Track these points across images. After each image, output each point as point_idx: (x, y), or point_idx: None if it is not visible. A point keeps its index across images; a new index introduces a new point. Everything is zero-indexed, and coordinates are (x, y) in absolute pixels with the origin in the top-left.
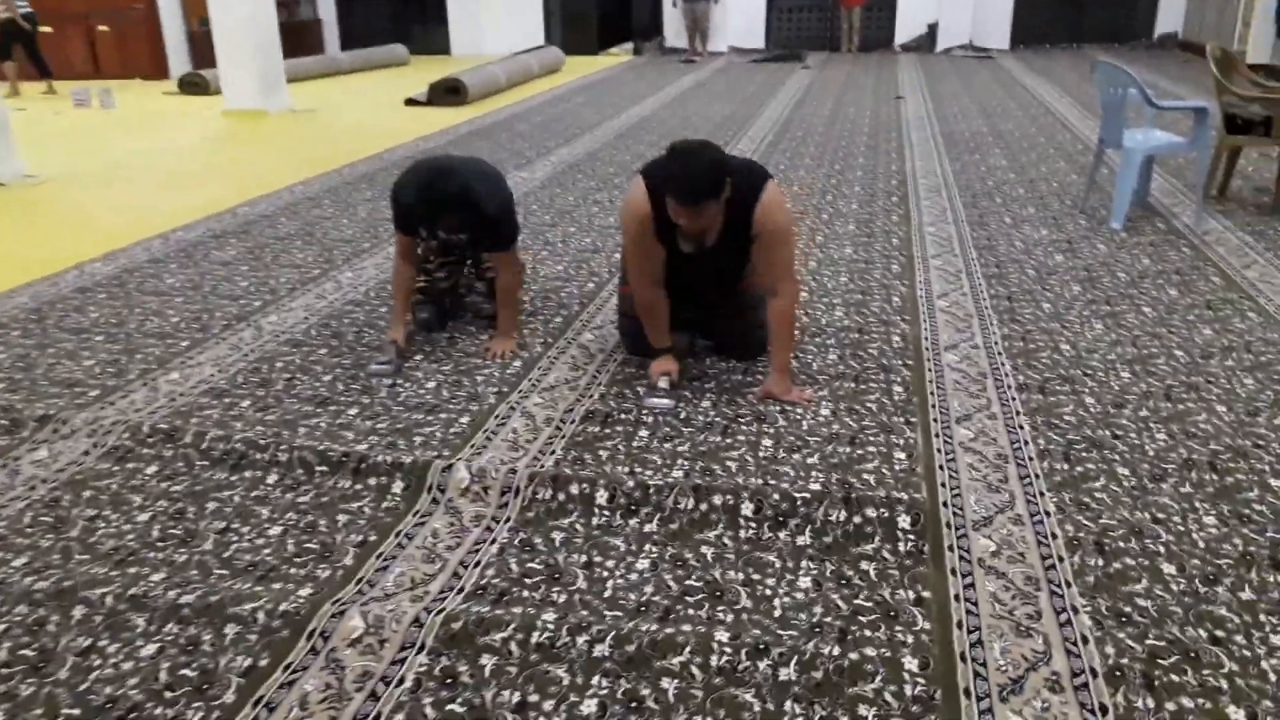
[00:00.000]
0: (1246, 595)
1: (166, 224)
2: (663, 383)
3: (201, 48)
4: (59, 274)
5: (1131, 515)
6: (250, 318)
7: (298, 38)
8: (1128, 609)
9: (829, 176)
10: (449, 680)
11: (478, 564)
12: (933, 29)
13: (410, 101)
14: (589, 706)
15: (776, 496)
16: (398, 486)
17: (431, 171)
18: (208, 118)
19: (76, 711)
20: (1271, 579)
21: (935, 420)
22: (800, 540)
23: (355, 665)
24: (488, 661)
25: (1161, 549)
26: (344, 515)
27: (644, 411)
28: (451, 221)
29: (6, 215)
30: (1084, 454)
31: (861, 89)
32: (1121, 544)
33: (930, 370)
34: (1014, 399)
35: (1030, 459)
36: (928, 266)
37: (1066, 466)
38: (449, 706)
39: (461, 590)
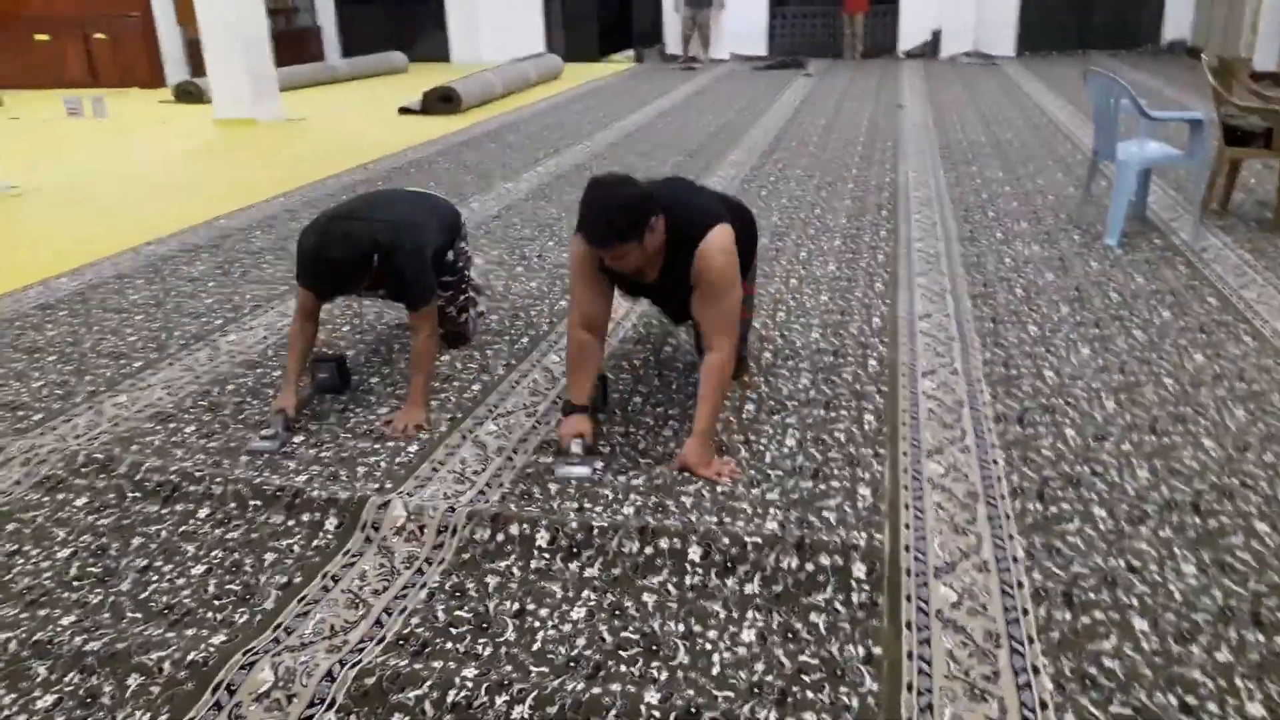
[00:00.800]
0: (1223, 656)
1: (140, 237)
2: (575, 446)
3: (198, 56)
4: (22, 290)
5: (1105, 562)
6: (209, 337)
7: (296, 45)
8: (1093, 670)
9: (819, 189)
10: None
11: (403, 610)
12: (937, 36)
13: (404, 110)
14: None
15: (726, 540)
16: (331, 523)
17: (331, 233)
18: (198, 127)
19: None
20: (1251, 637)
21: (905, 454)
22: (749, 588)
23: None
24: None
25: (1135, 601)
26: (271, 554)
27: (559, 482)
28: (359, 284)
29: None
30: (1059, 492)
31: (862, 97)
32: (1092, 595)
33: (905, 398)
34: (990, 430)
35: (1002, 497)
36: (912, 285)
37: (1040, 506)
38: None
39: (382, 640)
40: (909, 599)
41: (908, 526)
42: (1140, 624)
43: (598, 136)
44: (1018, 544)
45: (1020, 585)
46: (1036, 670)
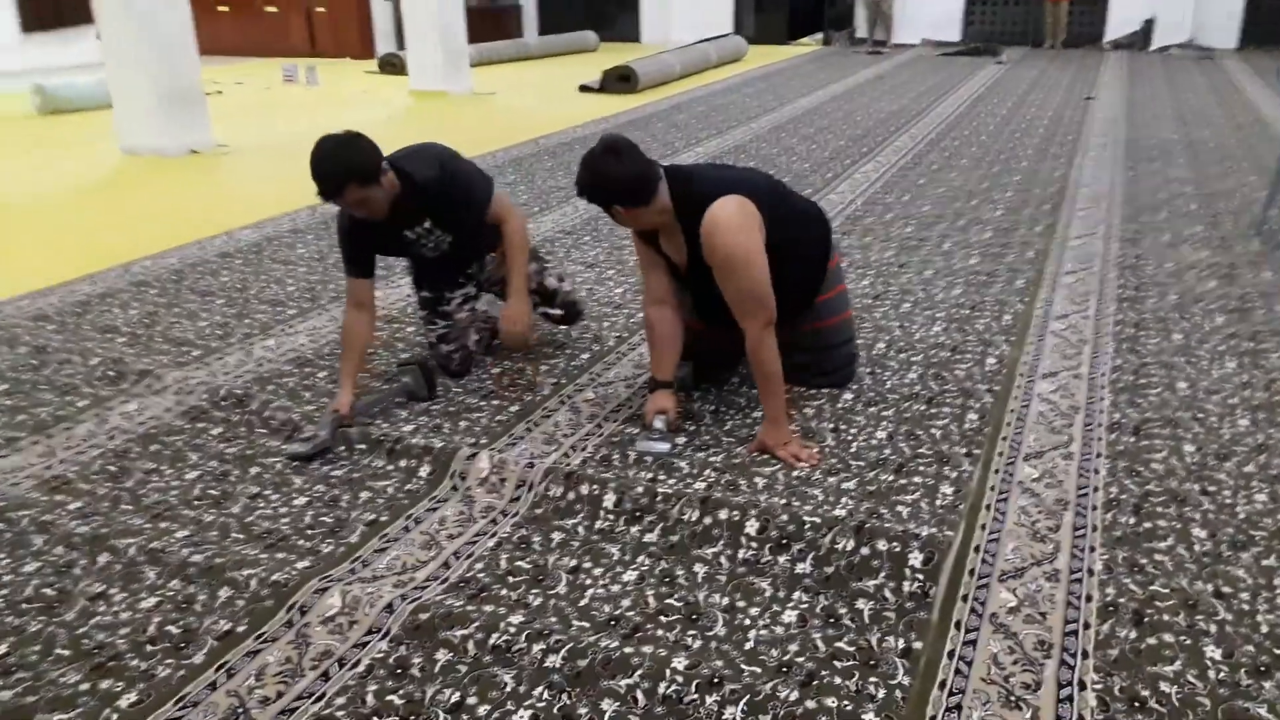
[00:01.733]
0: None
1: (311, 198)
2: (658, 423)
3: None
4: (210, 238)
5: (1191, 585)
6: None
7: (497, 23)
8: (1146, 693)
9: (981, 180)
10: (399, 670)
11: (470, 556)
12: (1149, 25)
13: (584, 88)
14: (522, 717)
15: (785, 518)
16: (424, 470)
17: (315, 149)
18: (395, 96)
19: (66, 652)
20: None
21: (1000, 454)
22: (800, 568)
23: (319, 643)
24: (441, 657)
25: (1213, 628)
26: (367, 493)
27: (638, 456)
28: (366, 205)
29: (190, 180)
30: (1160, 508)
31: (1053, 88)
32: (1167, 617)
33: (1016, 399)
34: (1100, 439)
35: (1094, 508)
36: (1056, 284)
37: (1134, 521)
38: (388, 696)
39: (445, 581)
40: (965, 599)
41: (983, 527)
42: (1213, 652)
43: (764, 119)
44: (1098, 557)
45: (1089, 599)
46: (1084, 685)
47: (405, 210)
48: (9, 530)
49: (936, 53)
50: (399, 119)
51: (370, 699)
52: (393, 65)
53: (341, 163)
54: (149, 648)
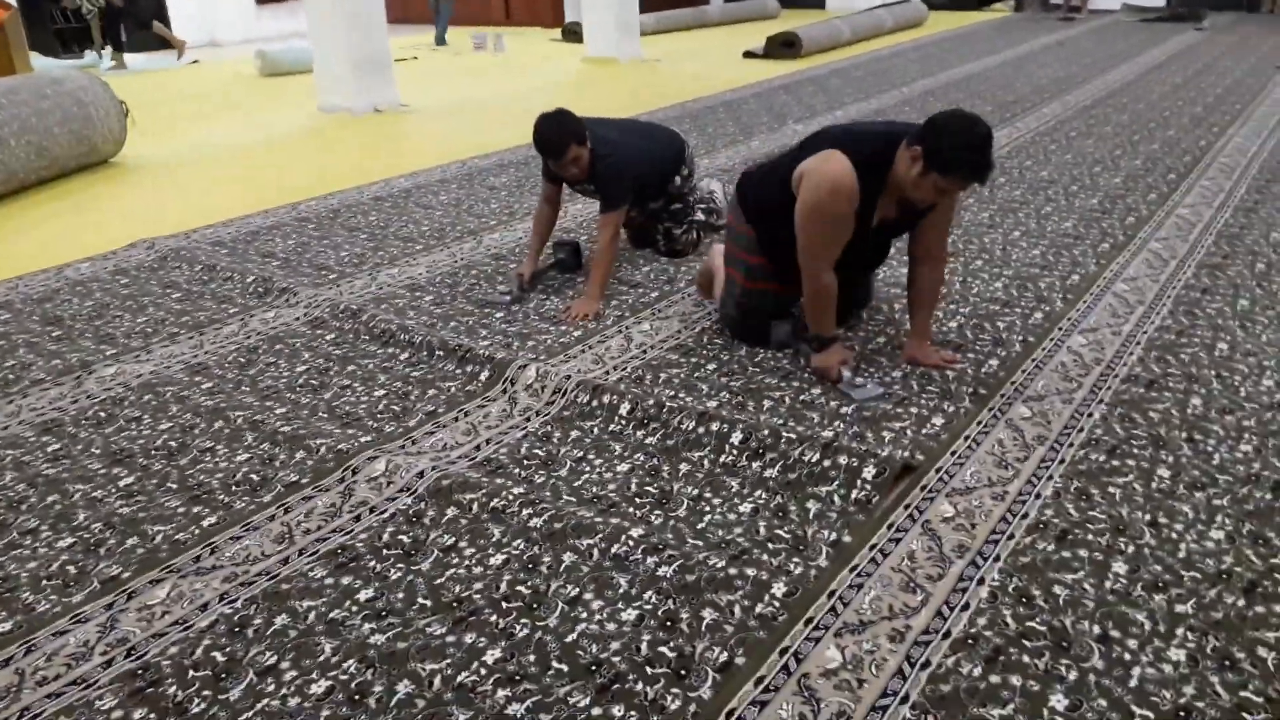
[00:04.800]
0: (1181, 609)
1: (472, 152)
2: (847, 373)
3: None
4: (368, 184)
5: (1128, 514)
6: (480, 234)
7: None
8: (1036, 591)
9: (1115, 148)
10: (414, 519)
11: (499, 442)
12: None
13: (748, 54)
14: (497, 559)
15: (766, 432)
16: (484, 375)
17: (544, 117)
18: (570, 63)
19: (174, 486)
20: (1234, 602)
21: (1002, 395)
22: (768, 472)
23: (359, 495)
24: (450, 513)
25: (1131, 549)
26: (434, 390)
27: (858, 404)
28: (565, 167)
29: (368, 135)
30: (1136, 449)
31: (1245, 56)
32: (1090, 537)
33: (1045, 350)
34: (1111, 389)
35: (1070, 445)
36: (1142, 249)
37: (1103, 459)
38: (399, 536)
39: (472, 459)
40: (906, 507)
41: (954, 453)
42: (1119, 567)
43: (919, 83)
44: (1052, 484)
45: (1025, 516)
46: (982, 581)
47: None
48: (155, 400)
49: (1135, 18)
50: (566, 84)
51: (385, 537)
52: (574, 34)
53: (560, 132)
54: (233, 488)
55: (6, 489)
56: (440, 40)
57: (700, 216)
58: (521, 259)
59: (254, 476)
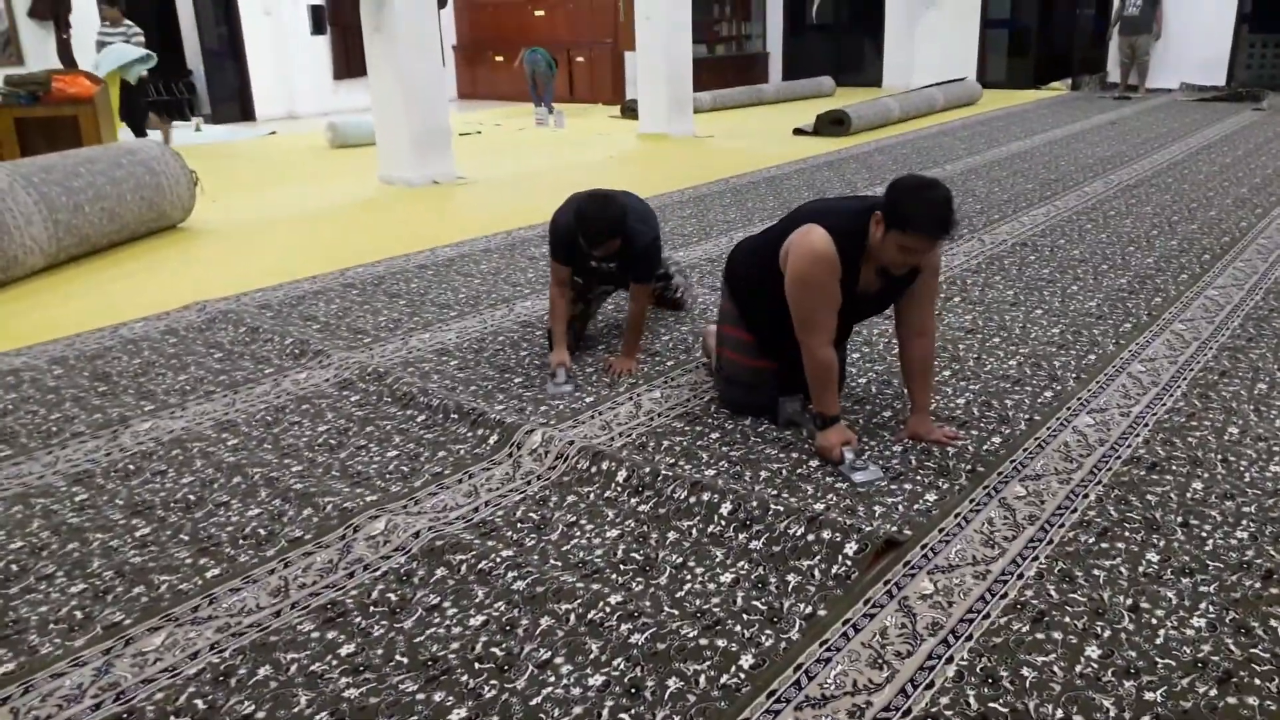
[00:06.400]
0: (1152, 698)
1: (518, 222)
2: (849, 454)
3: None
4: (415, 253)
5: (1110, 598)
6: (512, 302)
7: (745, 69)
8: (1004, 673)
9: (1152, 227)
10: (404, 577)
11: (498, 505)
12: None
13: (798, 131)
14: (477, 620)
15: (754, 503)
16: (493, 439)
17: (593, 200)
18: (624, 139)
19: (185, 538)
20: (1206, 692)
21: (999, 474)
22: (753, 544)
23: (356, 552)
24: (439, 573)
25: (1107, 633)
26: (444, 452)
27: (855, 487)
28: (610, 247)
29: (423, 206)
30: (1128, 533)
31: None
32: (1069, 620)
33: (1050, 429)
34: (1110, 470)
35: (1061, 526)
36: (1164, 330)
37: (1092, 541)
38: (388, 594)
39: (468, 521)
40: (885, 583)
41: (941, 529)
42: (1092, 651)
43: (963, 161)
44: (1035, 565)
45: (1004, 596)
46: (950, 659)
47: (615, 255)
48: (182, 454)
49: (1192, 98)
50: (619, 158)
51: (374, 594)
52: (632, 110)
53: (614, 216)
54: (240, 541)
55: (32, 535)
56: (549, 109)
57: (673, 270)
58: (544, 348)
59: (261, 531)
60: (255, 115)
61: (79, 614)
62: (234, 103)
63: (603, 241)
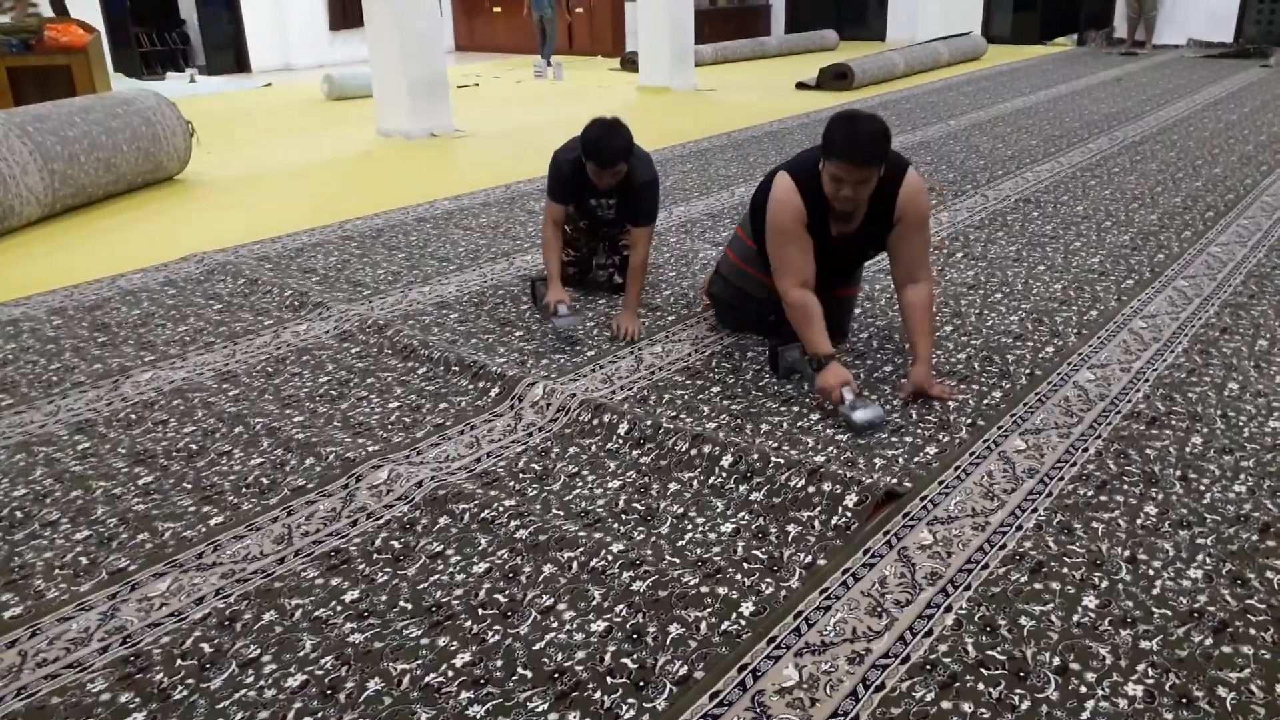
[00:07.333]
0: (1148, 647)
1: (517, 176)
2: (849, 394)
3: None
4: (414, 206)
5: (1109, 549)
6: (512, 255)
7: (745, 22)
8: (1002, 621)
9: (1156, 185)
10: (407, 525)
11: (500, 456)
12: None
13: (801, 85)
14: (480, 568)
15: (755, 456)
16: (494, 391)
17: (599, 124)
18: (625, 92)
19: (188, 486)
20: (1202, 641)
21: (1000, 428)
22: (754, 496)
23: (359, 501)
24: (442, 521)
25: (1105, 583)
26: (445, 404)
27: (859, 431)
28: (618, 172)
29: (421, 159)
30: (1126, 486)
31: None
32: (1066, 570)
33: (1051, 384)
34: (1111, 425)
35: (1060, 479)
36: (1166, 286)
37: (1091, 494)
38: (391, 541)
39: (471, 471)
40: (885, 533)
41: (941, 483)
42: (1089, 601)
43: (967, 116)
44: (1035, 517)
45: (1003, 547)
46: (949, 609)
47: (613, 188)
48: (183, 404)
49: (1199, 54)
50: (618, 111)
51: (378, 541)
52: (633, 63)
53: (625, 141)
54: (243, 490)
55: (35, 483)
56: (547, 59)
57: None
58: (540, 287)
59: (264, 480)
60: (250, 67)
61: (84, 560)
62: (229, 54)
63: (613, 164)
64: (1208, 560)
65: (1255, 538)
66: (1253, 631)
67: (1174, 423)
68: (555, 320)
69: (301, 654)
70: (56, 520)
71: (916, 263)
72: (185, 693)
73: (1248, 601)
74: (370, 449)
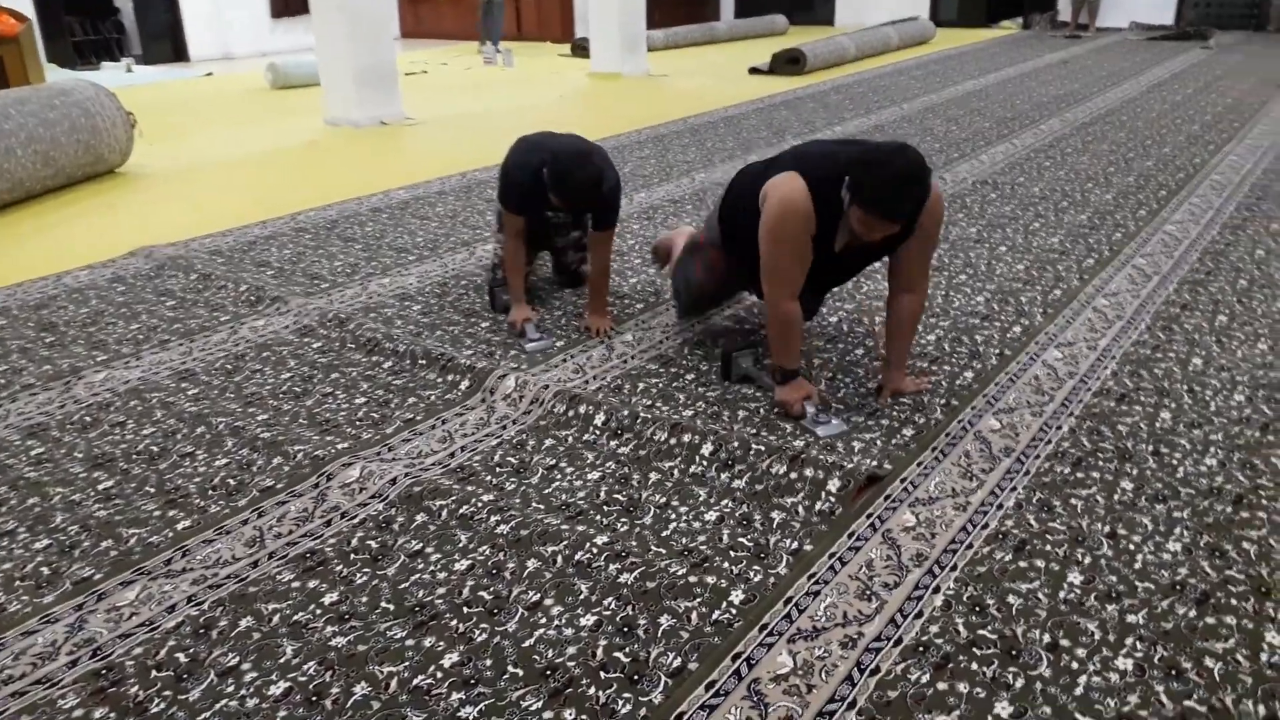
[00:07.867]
0: (1132, 619)
1: (471, 165)
2: (811, 408)
3: None
4: (368, 196)
5: (1089, 525)
6: (473, 244)
7: (697, 6)
8: (990, 601)
9: (1109, 165)
10: (383, 524)
11: (475, 450)
12: None
13: (754, 70)
14: (462, 565)
15: (736, 443)
16: (464, 384)
17: (569, 158)
18: (575, 78)
19: (151, 490)
20: (1186, 613)
21: (974, 408)
22: (736, 483)
23: (332, 500)
24: (419, 519)
25: (1088, 560)
26: (414, 398)
27: (819, 440)
28: (589, 204)
29: (370, 148)
30: (1100, 462)
31: (1248, 75)
32: (1049, 548)
33: (1019, 364)
34: (1082, 402)
35: (1036, 457)
36: (1125, 265)
37: (1068, 471)
38: (368, 541)
39: (446, 466)
40: (868, 516)
41: (920, 464)
42: (1074, 578)
43: (919, 100)
44: (1014, 495)
45: (985, 527)
46: (937, 589)
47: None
48: (141, 405)
49: (1142, 37)
50: (570, 98)
51: (354, 541)
52: (583, 49)
53: (596, 179)
54: (209, 492)
55: None
56: (495, 42)
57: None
58: (500, 293)
59: (230, 481)
60: (189, 56)
61: (45, 570)
62: (166, 43)
63: (586, 203)
64: (1185, 533)
65: (1229, 509)
66: (1234, 602)
67: (1143, 399)
68: (525, 344)
69: (283, 660)
70: (14, 529)
71: (919, 273)
72: (163, 705)
73: (1227, 573)
74: (339, 446)
